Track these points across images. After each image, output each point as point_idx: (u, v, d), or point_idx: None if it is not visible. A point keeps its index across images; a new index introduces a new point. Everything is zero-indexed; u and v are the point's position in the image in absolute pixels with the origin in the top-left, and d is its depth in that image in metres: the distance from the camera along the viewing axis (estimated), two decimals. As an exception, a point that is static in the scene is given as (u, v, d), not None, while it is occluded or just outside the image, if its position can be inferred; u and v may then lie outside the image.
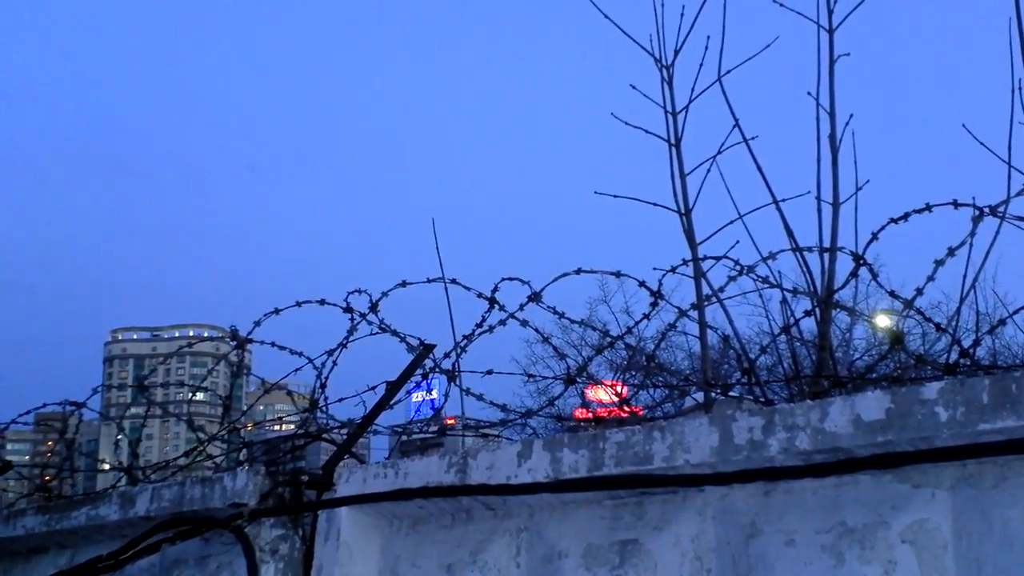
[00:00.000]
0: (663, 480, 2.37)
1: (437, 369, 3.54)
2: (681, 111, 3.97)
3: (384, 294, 3.68)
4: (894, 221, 3.07)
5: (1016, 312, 3.05)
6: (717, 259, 3.44)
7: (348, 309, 3.72)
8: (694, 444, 2.31)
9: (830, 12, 3.79)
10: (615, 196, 4.19)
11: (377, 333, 3.70)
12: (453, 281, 3.69)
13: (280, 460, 4.17)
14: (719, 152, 3.86)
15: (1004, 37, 3.44)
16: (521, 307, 3.53)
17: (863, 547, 2.13)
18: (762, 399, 3.37)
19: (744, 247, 3.52)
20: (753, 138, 3.81)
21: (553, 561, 2.58)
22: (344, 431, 3.61)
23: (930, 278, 2.96)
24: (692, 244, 3.72)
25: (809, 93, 3.69)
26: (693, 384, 4.21)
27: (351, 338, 3.74)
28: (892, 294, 3.05)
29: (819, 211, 3.57)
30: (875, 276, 3.19)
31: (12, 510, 4.02)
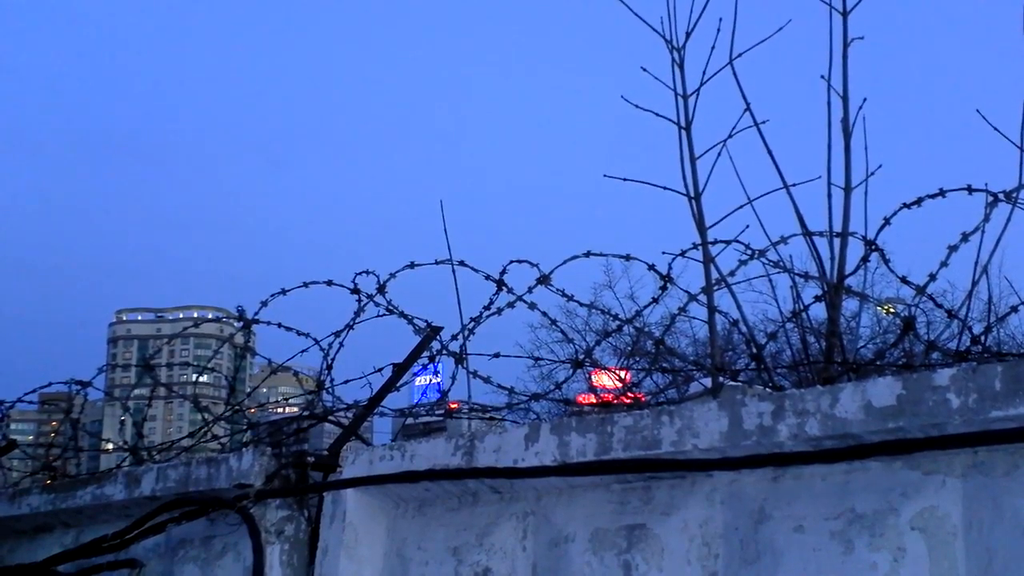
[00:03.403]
0: (671, 465, 2.36)
1: (444, 351, 3.53)
2: (692, 94, 3.94)
3: (392, 275, 3.66)
4: (907, 206, 3.05)
5: (1028, 299, 3.03)
6: (727, 243, 3.42)
7: (355, 290, 3.70)
8: (703, 429, 2.29)
9: (845, -6, 3.75)
10: (624, 179, 4.17)
11: (384, 315, 3.68)
12: (461, 263, 3.67)
13: (285, 441, 4.16)
14: (730, 136, 3.84)
15: (1018, 21, 3.41)
16: (530, 289, 3.52)
17: (872, 534, 2.11)
18: (770, 385, 3.36)
19: (754, 232, 3.50)
20: (764, 122, 3.78)
21: (560, 545, 2.57)
22: (350, 413, 3.60)
23: (944, 264, 2.94)
24: (701, 229, 3.70)
25: (822, 76, 3.66)
26: (703, 369, 4.20)
27: (358, 320, 3.72)
28: (904, 280, 3.03)
29: (830, 196, 3.54)
30: (887, 261, 3.17)
31: (17, 489, 4.02)
